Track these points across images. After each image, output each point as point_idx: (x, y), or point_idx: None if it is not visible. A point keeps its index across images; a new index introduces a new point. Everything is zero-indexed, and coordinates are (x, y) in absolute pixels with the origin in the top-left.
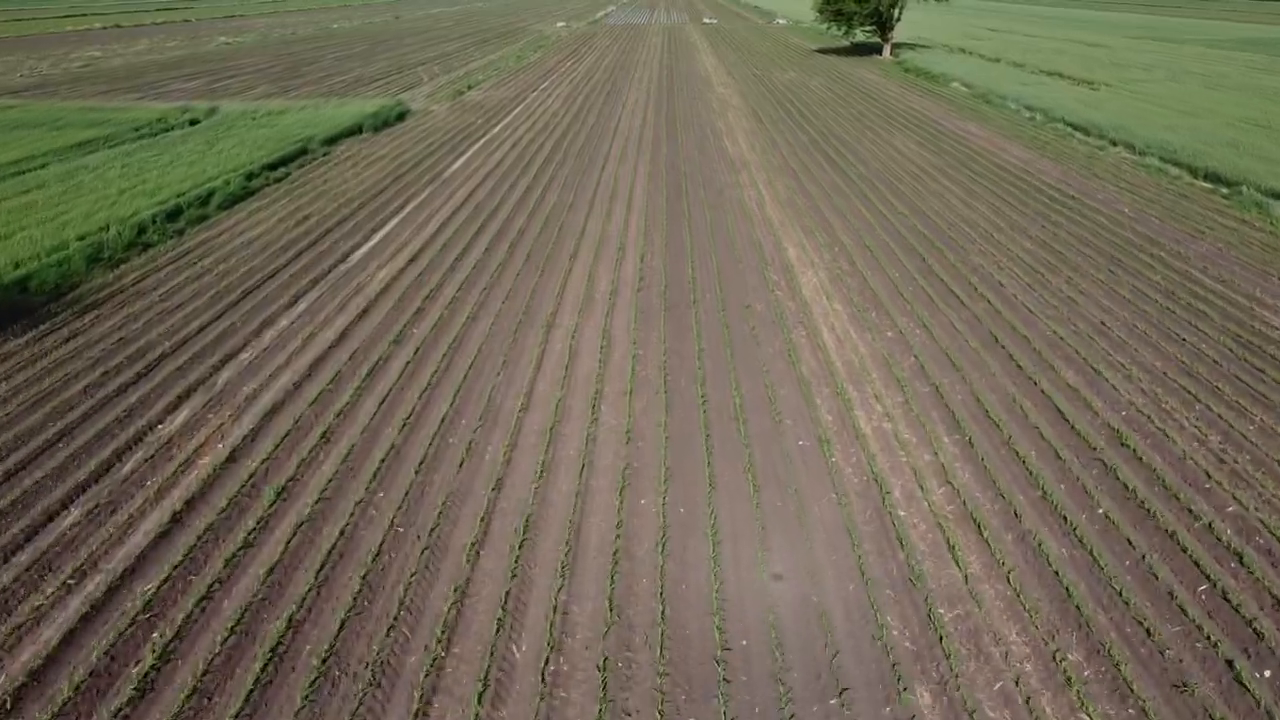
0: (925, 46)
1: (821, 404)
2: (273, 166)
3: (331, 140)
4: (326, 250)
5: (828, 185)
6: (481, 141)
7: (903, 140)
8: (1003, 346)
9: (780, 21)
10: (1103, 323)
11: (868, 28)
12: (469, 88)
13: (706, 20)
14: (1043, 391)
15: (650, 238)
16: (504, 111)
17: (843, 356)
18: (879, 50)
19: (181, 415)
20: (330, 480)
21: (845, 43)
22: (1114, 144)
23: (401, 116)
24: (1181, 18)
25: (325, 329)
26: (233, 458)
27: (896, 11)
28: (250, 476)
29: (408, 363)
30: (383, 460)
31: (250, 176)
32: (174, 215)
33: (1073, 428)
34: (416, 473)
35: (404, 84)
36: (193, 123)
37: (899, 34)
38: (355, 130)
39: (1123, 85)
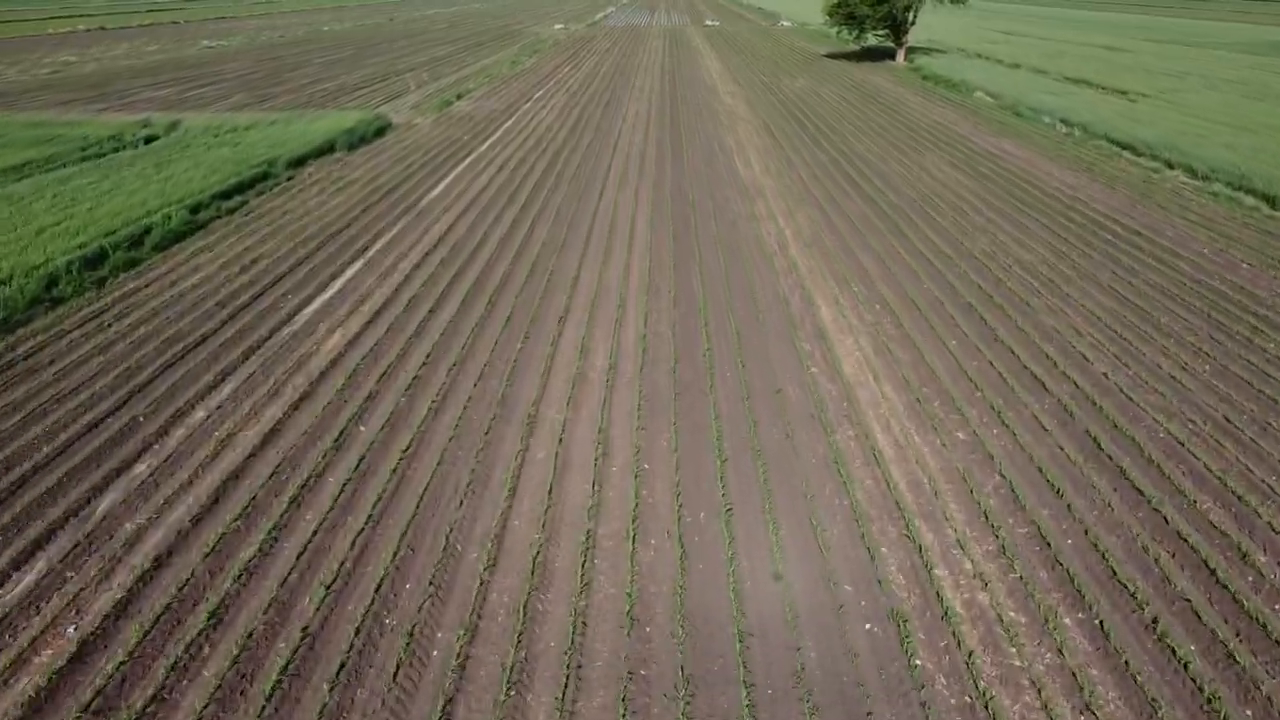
0: (940, 51)
1: (890, 555)
2: (227, 195)
3: (298, 161)
4: (269, 307)
5: (857, 218)
6: (466, 162)
7: (934, 161)
8: (1108, 457)
9: (784, 24)
10: (1227, 418)
11: (880, 32)
12: (458, 97)
13: (708, 22)
14: (1180, 536)
15: (655, 289)
16: (494, 125)
17: (906, 473)
18: (892, 55)
19: (29, 576)
20: (207, 706)
21: (855, 47)
22: (1169, 166)
23: (381, 132)
24: (1197, 19)
25: (249, 425)
26: (82, 656)
27: (911, 15)
28: (99, 691)
29: (345, 483)
30: (286, 667)
31: (197, 209)
32: (97, 261)
33: (1238, 602)
34: (331, 689)
35: (389, 92)
36: (149, 140)
37: (911, 37)
38: (328, 149)
39: (1159, 95)
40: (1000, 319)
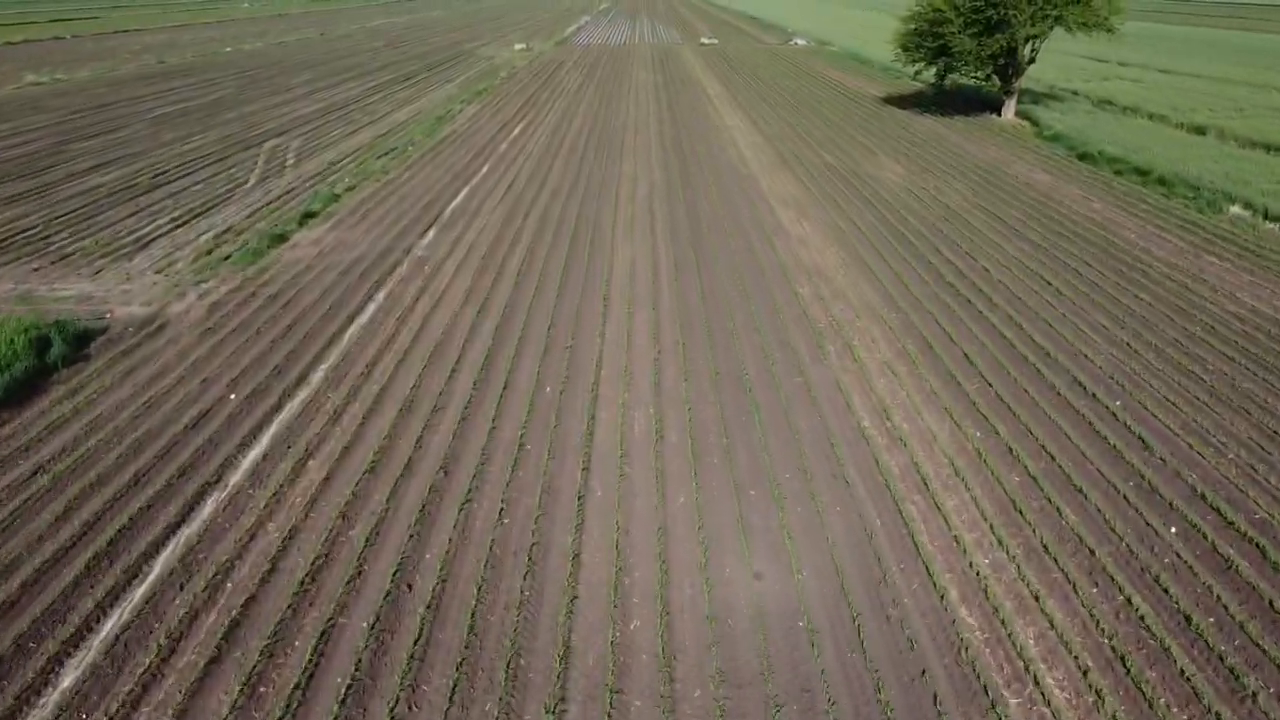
0: (1051, 97)
1: None
2: None
3: None
4: None
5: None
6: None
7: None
8: None
9: (798, 42)
10: None
11: (981, 73)
12: (304, 220)
13: (705, 40)
14: None
15: None
16: (335, 317)
17: None
18: (993, 103)
19: None
20: None
21: (916, 84)
22: None
23: (83, 342)
24: None
25: None
26: None
27: (1032, 50)
28: None
29: None
30: None
31: None
32: None
33: None
34: None
35: (187, 210)
36: None
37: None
38: None
39: None
40: None
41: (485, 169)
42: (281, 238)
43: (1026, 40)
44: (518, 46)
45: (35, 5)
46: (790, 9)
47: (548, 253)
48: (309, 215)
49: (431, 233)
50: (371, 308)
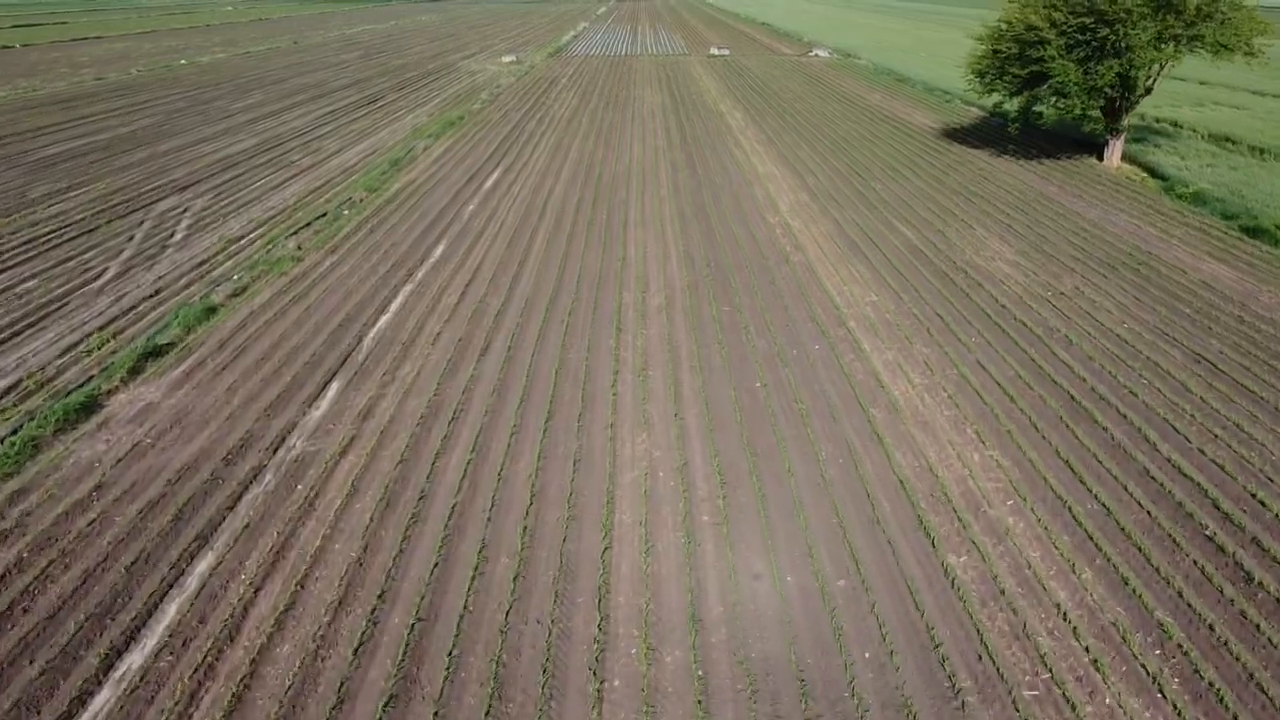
0: (1154, 131)
1: None
2: None
3: None
4: None
5: None
6: None
7: None
8: None
9: (819, 54)
10: None
11: (1087, 108)
12: (145, 359)
13: (714, 51)
14: None
15: None
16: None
17: None
18: (1089, 144)
19: None
20: None
21: (971, 108)
22: None
23: None
24: None
25: None
26: None
27: (1153, 79)
28: None
29: None
30: None
31: None
32: None
33: None
34: None
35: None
36: None
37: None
38: None
39: None
40: None
41: (439, 251)
42: (85, 408)
43: (1149, 64)
44: (506, 59)
45: (3, 10)
46: (791, 10)
47: (510, 448)
48: (153, 354)
49: (332, 392)
50: (172, 611)
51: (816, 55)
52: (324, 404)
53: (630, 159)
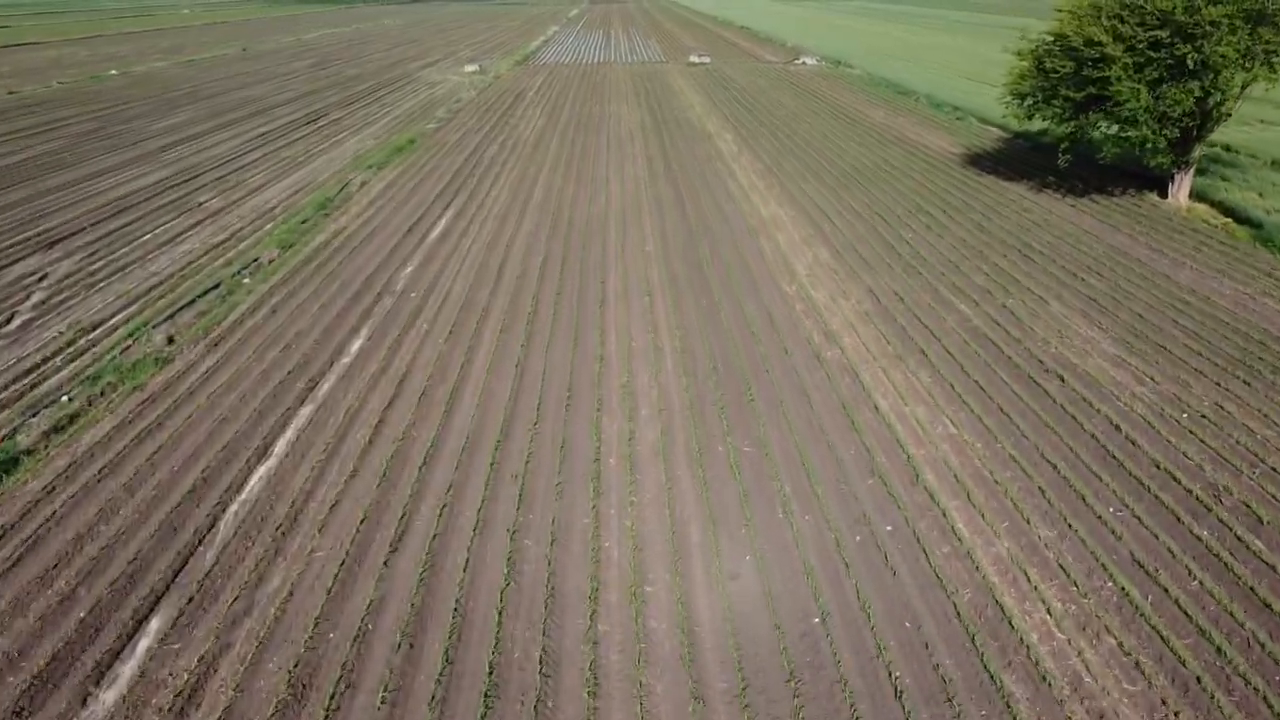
0: (1219, 160)
1: None
2: None
3: None
4: None
5: None
6: None
7: None
8: None
9: (807, 62)
10: None
11: (1155, 138)
12: None
13: (694, 59)
14: None
15: None
16: None
17: None
18: (1145, 176)
19: None
20: None
21: (990, 128)
22: None
23: None
24: None
25: None
26: None
27: (1232, 104)
28: None
29: None
30: None
31: None
32: None
33: None
34: None
35: None
36: None
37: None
38: None
39: None
40: None
41: (357, 346)
42: None
43: (1227, 85)
44: (469, 69)
45: None
46: (769, 12)
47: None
48: None
49: (140, 650)
50: None
51: (804, 63)
52: (113, 690)
53: (607, 198)
